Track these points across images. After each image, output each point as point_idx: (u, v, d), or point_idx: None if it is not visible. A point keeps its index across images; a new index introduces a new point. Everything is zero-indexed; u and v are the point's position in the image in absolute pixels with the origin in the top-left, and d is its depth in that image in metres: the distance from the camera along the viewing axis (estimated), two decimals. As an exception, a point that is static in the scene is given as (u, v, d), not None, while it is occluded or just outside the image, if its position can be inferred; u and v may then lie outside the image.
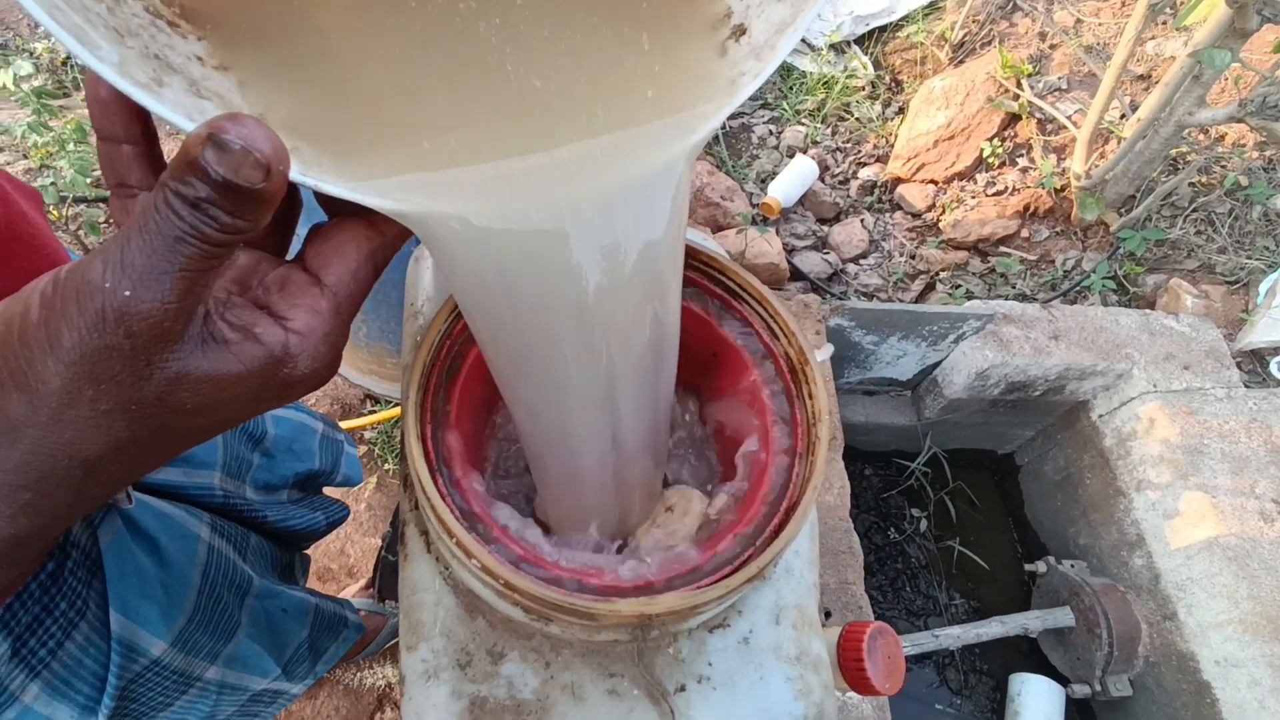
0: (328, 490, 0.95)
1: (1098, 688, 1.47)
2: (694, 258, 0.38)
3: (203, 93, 0.25)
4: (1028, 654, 1.66)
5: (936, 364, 1.62)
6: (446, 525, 0.30)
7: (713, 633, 0.35)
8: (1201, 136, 1.99)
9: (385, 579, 0.78)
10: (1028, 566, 1.65)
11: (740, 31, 0.33)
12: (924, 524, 1.77)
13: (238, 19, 0.28)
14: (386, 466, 1.54)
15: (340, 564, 1.47)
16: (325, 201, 0.30)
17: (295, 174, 0.24)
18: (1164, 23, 2.13)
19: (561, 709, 0.33)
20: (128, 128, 0.27)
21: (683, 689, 0.34)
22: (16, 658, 0.49)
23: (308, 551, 0.96)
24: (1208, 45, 1.47)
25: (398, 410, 1.49)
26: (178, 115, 0.23)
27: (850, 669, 0.54)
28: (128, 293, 0.22)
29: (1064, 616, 1.52)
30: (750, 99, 2.45)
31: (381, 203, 0.26)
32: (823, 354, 1.07)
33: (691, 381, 0.44)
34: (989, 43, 2.31)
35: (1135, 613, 1.46)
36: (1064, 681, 1.53)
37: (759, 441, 0.37)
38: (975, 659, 1.68)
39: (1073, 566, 1.59)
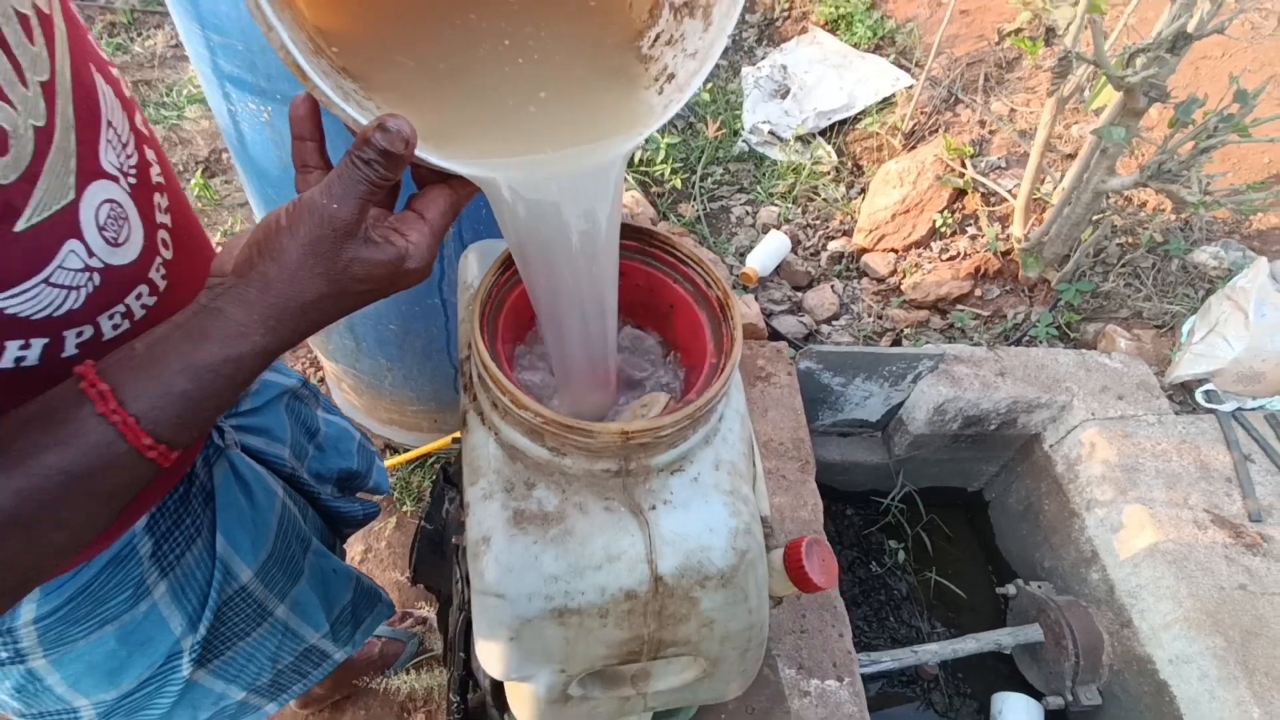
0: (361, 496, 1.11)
1: (1070, 698, 1.57)
2: (654, 237, 0.58)
3: (363, 107, 0.44)
4: (1008, 676, 1.76)
5: (900, 404, 1.80)
6: (503, 386, 0.48)
7: (673, 475, 0.52)
8: (1124, 201, 2.25)
9: (421, 555, 0.91)
10: (999, 590, 1.77)
11: (670, 77, 0.53)
12: (902, 555, 1.90)
13: (373, 77, 0.48)
14: (405, 508, 1.69)
15: (361, 597, 1.59)
16: (418, 175, 0.49)
17: (417, 150, 0.43)
18: (1081, 109, 2.43)
19: (573, 518, 0.50)
20: (313, 132, 0.47)
21: (653, 508, 0.50)
22: (154, 557, 0.65)
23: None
24: (1106, 125, 1.74)
25: (418, 453, 1.65)
26: (360, 117, 0.42)
27: (795, 571, 0.70)
28: (335, 207, 0.41)
29: (1033, 632, 1.64)
30: (727, 185, 2.73)
31: (464, 169, 0.45)
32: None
33: (658, 326, 0.62)
34: (935, 130, 2.62)
35: (1097, 624, 1.58)
36: (1040, 697, 1.63)
37: (701, 353, 0.55)
38: (959, 683, 1.77)
39: (1039, 587, 1.71)
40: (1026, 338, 2.04)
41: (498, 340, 0.52)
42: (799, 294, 2.39)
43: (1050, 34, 2.06)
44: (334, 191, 0.42)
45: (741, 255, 2.42)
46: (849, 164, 2.76)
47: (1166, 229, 2.14)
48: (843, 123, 2.86)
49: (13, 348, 0.43)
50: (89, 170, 0.46)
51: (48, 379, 0.42)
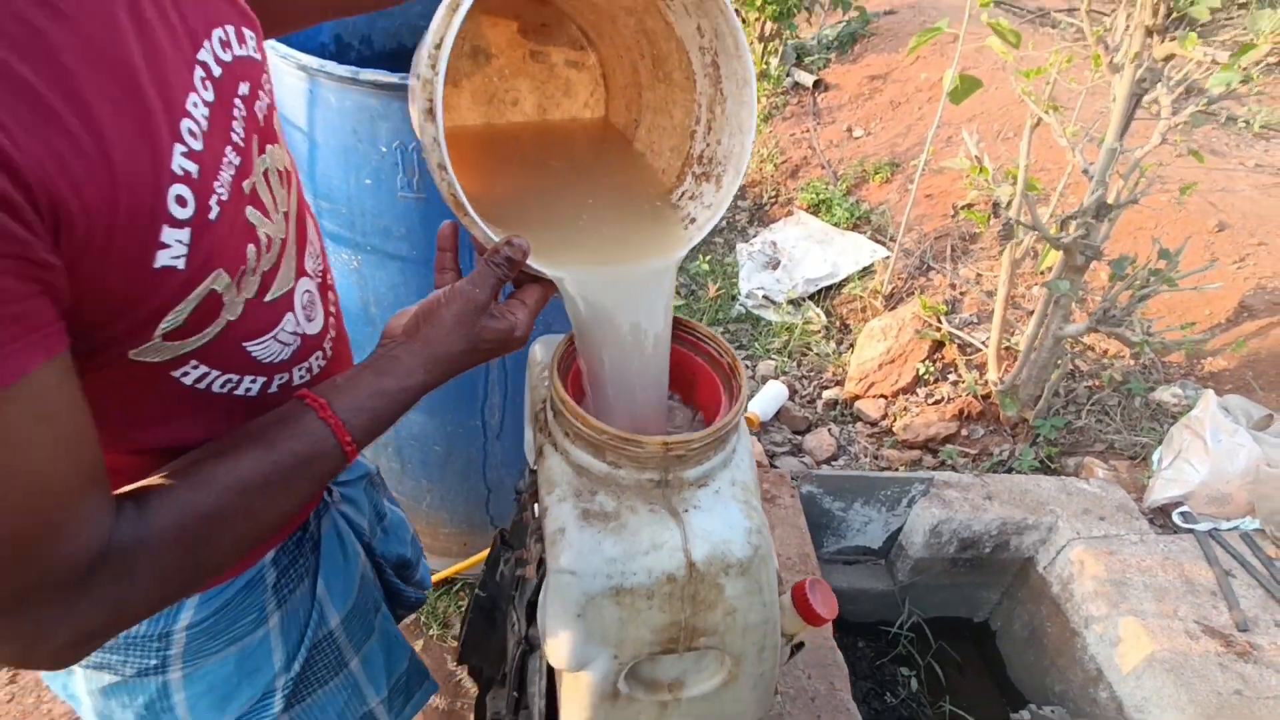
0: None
1: (1095, 825, 1.55)
2: (680, 323, 0.78)
3: (490, 232, 0.66)
4: (1032, 812, 1.73)
5: (899, 530, 1.92)
6: (576, 413, 0.65)
7: (700, 488, 0.67)
8: (1085, 347, 2.49)
9: (474, 625, 1.01)
10: (1013, 716, 1.79)
11: (692, 220, 0.76)
12: (915, 684, 1.92)
13: (492, 214, 0.71)
14: (431, 632, 1.76)
15: None
16: (518, 278, 0.70)
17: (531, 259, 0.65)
18: (1038, 272, 2.75)
19: (626, 516, 0.64)
20: (452, 247, 0.69)
21: (686, 511, 0.65)
22: (275, 588, 0.78)
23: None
24: (1054, 279, 2.02)
25: (449, 572, 1.75)
26: (493, 237, 0.64)
27: (801, 605, 0.83)
28: (476, 291, 0.62)
29: (1051, 756, 1.64)
30: (729, 343, 3.00)
31: (549, 271, 0.66)
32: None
33: (684, 392, 0.80)
34: (912, 293, 2.93)
35: (1111, 744, 1.60)
36: (1066, 828, 1.60)
37: (717, 404, 0.73)
38: (983, 820, 1.73)
39: (1052, 712, 1.74)
40: (1008, 470, 2.19)
41: (569, 386, 0.71)
42: (799, 437, 2.57)
43: (997, 207, 2.40)
44: (476, 281, 0.64)
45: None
46: (837, 323, 3.05)
47: (1128, 372, 2.36)
48: (828, 288, 3.19)
49: (246, 381, 0.62)
50: (300, 270, 0.67)
51: (260, 407, 0.61)
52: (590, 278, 0.68)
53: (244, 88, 0.56)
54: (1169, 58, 1.60)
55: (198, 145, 0.49)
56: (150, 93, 0.45)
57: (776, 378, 2.77)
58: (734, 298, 3.18)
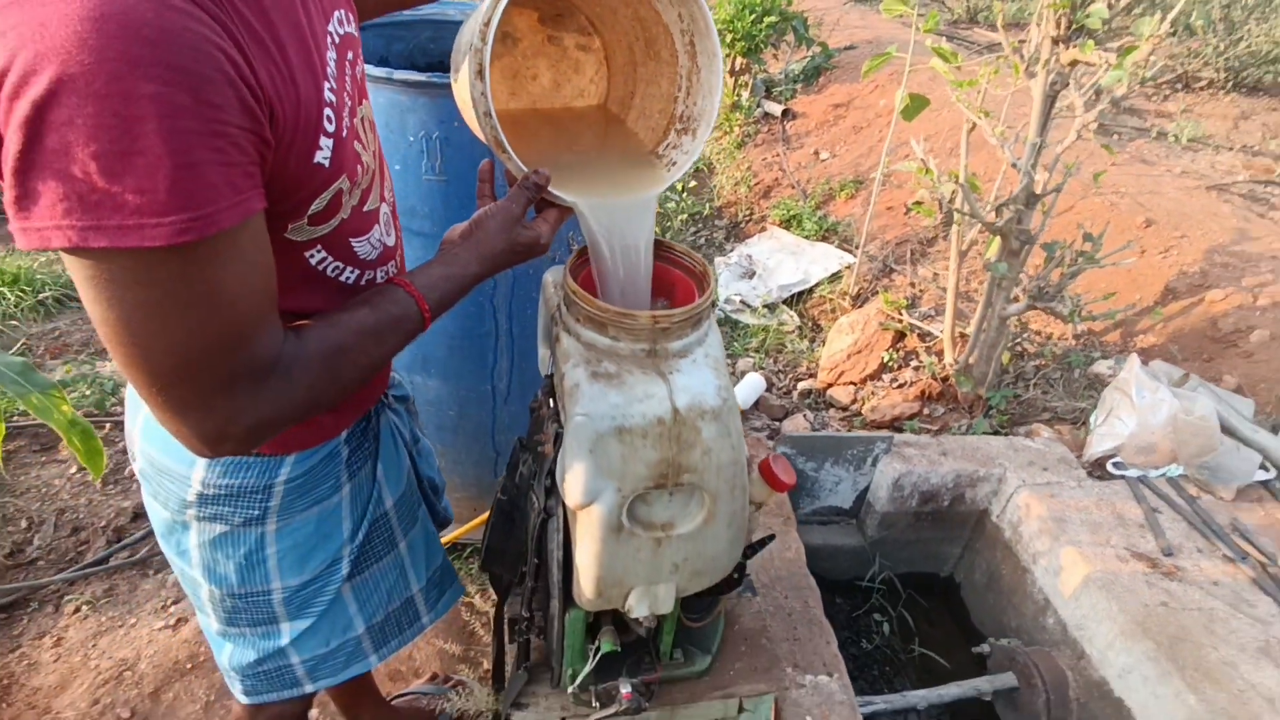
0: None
1: (1048, 735, 1.73)
2: (666, 246, 0.99)
3: (520, 164, 0.88)
4: (996, 734, 1.90)
5: (867, 489, 2.12)
6: (584, 298, 0.86)
7: (682, 359, 0.88)
8: (1020, 326, 2.74)
9: (495, 527, 1.18)
10: (975, 649, 1.97)
11: (672, 164, 0.99)
12: (887, 628, 2.11)
13: (522, 152, 0.93)
14: (444, 589, 1.92)
15: (408, 666, 1.78)
16: (539, 203, 0.92)
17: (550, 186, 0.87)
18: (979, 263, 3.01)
19: (625, 376, 0.85)
20: (490, 180, 0.91)
21: (671, 374, 0.86)
22: (347, 463, 0.97)
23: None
24: (993, 263, 2.26)
25: (456, 535, 1.92)
26: (523, 168, 0.86)
27: (766, 474, 1.04)
28: (513, 206, 0.84)
29: (1007, 679, 1.83)
30: (709, 343, 3.21)
31: (568, 198, 0.88)
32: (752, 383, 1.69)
33: (670, 296, 1.02)
34: (875, 293, 3.18)
35: (1059, 663, 1.79)
36: (1025, 743, 1.78)
37: (693, 299, 0.95)
38: (952, 744, 1.91)
39: (1009, 642, 1.93)
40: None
41: (579, 285, 0.92)
42: (776, 424, 2.78)
43: (942, 204, 2.66)
44: (512, 199, 0.86)
45: (724, 394, 2.84)
46: (809, 324, 3.29)
47: (1068, 349, 2.61)
48: (801, 294, 3.44)
49: (348, 270, 0.83)
50: (380, 196, 0.89)
51: (354, 293, 0.82)
52: (598, 203, 0.90)
53: (350, 54, 0.78)
54: (1073, 63, 1.87)
55: (334, 85, 0.71)
56: (311, 45, 0.67)
57: (754, 371, 2.99)
58: (713, 304, 3.42)
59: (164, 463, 0.89)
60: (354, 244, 0.82)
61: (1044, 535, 1.87)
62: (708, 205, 4.31)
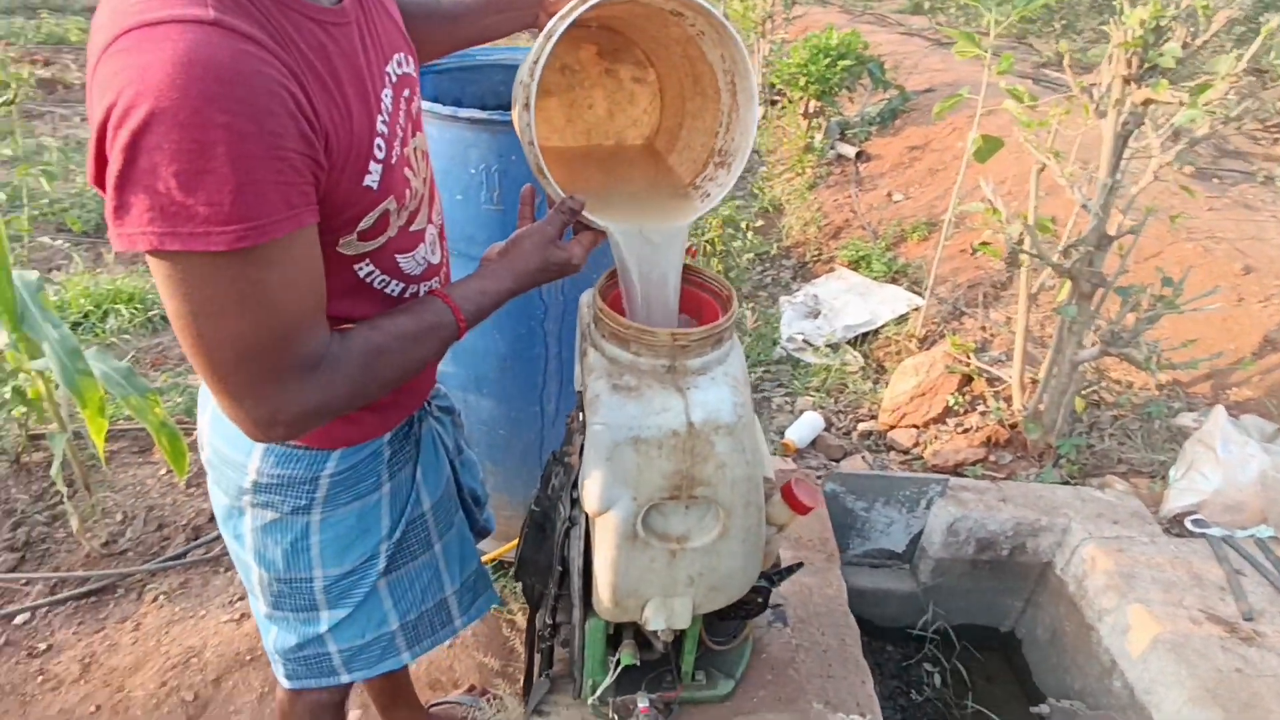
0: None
1: (1109, 806, 1.62)
2: (695, 271, 1.03)
3: (558, 190, 0.95)
4: (1055, 805, 1.78)
5: (920, 533, 2.06)
6: (610, 315, 0.90)
7: (700, 375, 0.90)
8: (1115, 380, 2.61)
9: (528, 538, 1.22)
10: (1033, 709, 1.87)
11: (706, 195, 1.03)
12: (938, 680, 2.02)
13: (560, 178, 0.99)
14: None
15: (448, 677, 1.83)
16: (575, 226, 0.97)
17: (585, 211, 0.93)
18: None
19: (643, 389, 0.88)
20: (531, 203, 0.98)
21: (689, 389, 0.89)
22: (388, 463, 1.04)
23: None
24: (1062, 306, 2.19)
25: (497, 554, 1.97)
26: (560, 194, 0.92)
27: (788, 497, 1.05)
28: (549, 229, 0.91)
29: (1067, 743, 1.72)
30: (768, 381, 3.21)
31: (601, 224, 0.94)
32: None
33: (698, 317, 1.05)
34: (944, 336, 3.11)
35: (1124, 730, 1.67)
36: (1084, 813, 1.66)
37: (717, 315, 0.98)
38: (1006, 810, 1.80)
39: (1072, 704, 1.81)
40: (1036, 489, 2.30)
41: (608, 305, 0.97)
42: (834, 464, 2.73)
43: (1009, 245, 2.59)
44: (548, 221, 0.93)
45: (780, 433, 2.82)
46: (873, 365, 3.24)
47: (1151, 400, 2.47)
48: (865, 335, 3.39)
49: (394, 283, 0.90)
50: (429, 218, 0.97)
51: (396, 303, 0.89)
52: (630, 229, 0.95)
53: (407, 92, 0.87)
54: (1147, 102, 1.83)
55: (386, 119, 0.79)
56: (368, 85, 0.76)
57: (813, 410, 2.96)
58: (775, 342, 3.41)
59: (226, 452, 0.98)
60: (399, 260, 0.89)
61: (1110, 591, 1.77)
62: (775, 245, 4.33)
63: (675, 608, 1.01)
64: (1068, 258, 2.09)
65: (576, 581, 1.05)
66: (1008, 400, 2.65)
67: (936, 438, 2.68)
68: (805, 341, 3.37)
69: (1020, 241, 2.25)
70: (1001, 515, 1.94)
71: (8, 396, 1.92)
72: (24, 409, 1.98)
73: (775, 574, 1.21)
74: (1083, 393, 2.51)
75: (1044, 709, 1.85)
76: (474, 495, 1.35)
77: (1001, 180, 3.94)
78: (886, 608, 2.13)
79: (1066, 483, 2.28)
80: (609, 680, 1.12)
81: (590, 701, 1.16)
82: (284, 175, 0.66)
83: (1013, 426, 2.56)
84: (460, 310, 0.86)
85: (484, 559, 2.03)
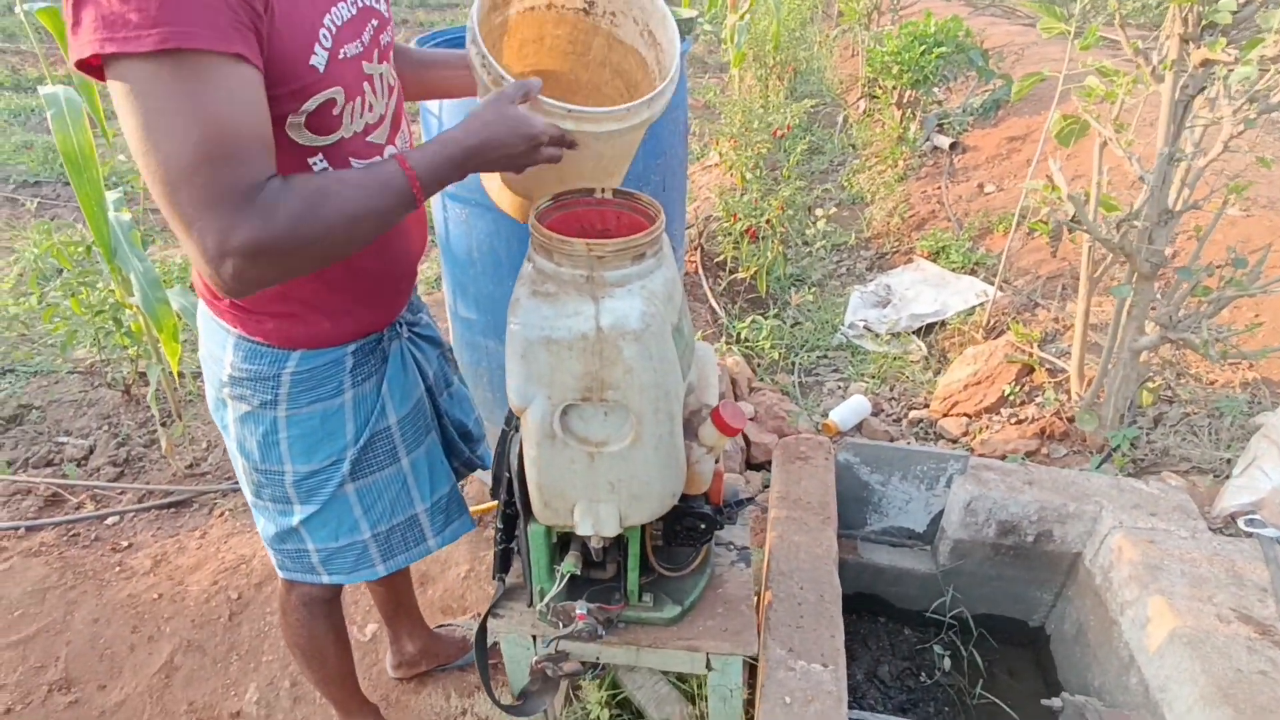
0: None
1: (1110, 805, 1.52)
2: (632, 196, 1.09)
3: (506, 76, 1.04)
4: (1060, 803, 1.69)
5: (941, 512, 2.00)
6: (537, 228, 0.98)
7: (618, 288, 0.96)
8: (1196, 383, 2.41)
9: (498, 454, 1.32)
10: (1044, 702, 1.77)
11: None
12: (948, 663, 1.95)
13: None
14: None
15: (459, 604, 1.96)
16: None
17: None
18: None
19: (560, 295, 0.95)
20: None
21: (602, 299, 0.95)
22: (351, 372, 1.16)
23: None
24: (1120, 285, 2.06)
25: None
26: (504, 74, 1.01)
27: (716, 421, 1.08)
28: (510, 90, 0.98)
29: (1073, 736, 1.63)
30: (824, 365, 3.16)
31: (556, 105, 1.02)
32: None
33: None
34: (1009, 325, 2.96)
35: (1135, 728, 1.57)
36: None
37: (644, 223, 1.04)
38: (1005, 802, 1.72)
39: (1085, 700, 1.71)
40: (1083, 482, 2.17)
41: (547, 223, 1.04)
42: (877, 448, 2.67)
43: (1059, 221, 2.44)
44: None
45: (826, 414, 2.79)
46: (937, 355, 3.13)
47: (1229, 397, 2.27)
48: (932, 326, 3.28)
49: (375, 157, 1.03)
50: (389, 138, 1.07)
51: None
52: (582, 111, 1.01)
53: (375, 22, 0.99)
54: (1205, 62, 1.70)
55: (338, 20, 0.92)
56: None
57: (861, 395, 2.90)
58: (835, 328, 3.36)
59: (209, 347, 1.13)
60: (355, 164, 1.00)
61: (1133, 583, 1.66)
62: (854, 235, 4.24)
63: (601, 513, 1.07)
64: (1117, 232, 1.97)
65: (517, 486, 1.14)
66: (1068, 392, 2.50)
67: (988, 427, 2.57)
68: (867, 328, 3.30)
69: (1074, 219, 2.13)
70: (1024, 498, 1.85)
71: (113, 330, 2.23)
72: (129, 341, 2.29)
73: (726, 505, 1.24)
74: (1151, 386, 2.34)
75: (1056, 702, 1.76)
76: (462, 428, 1.45)
77: (1082, 161, 3.69)
78: (905, 587, 2.07)
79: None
80: (555, 590, 1.20)
81: (539, 608, 1.23)
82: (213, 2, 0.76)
83: (1070, 419, 2.42)
84: (410, 165, 0.91)
85: (475, 509, 2.15)
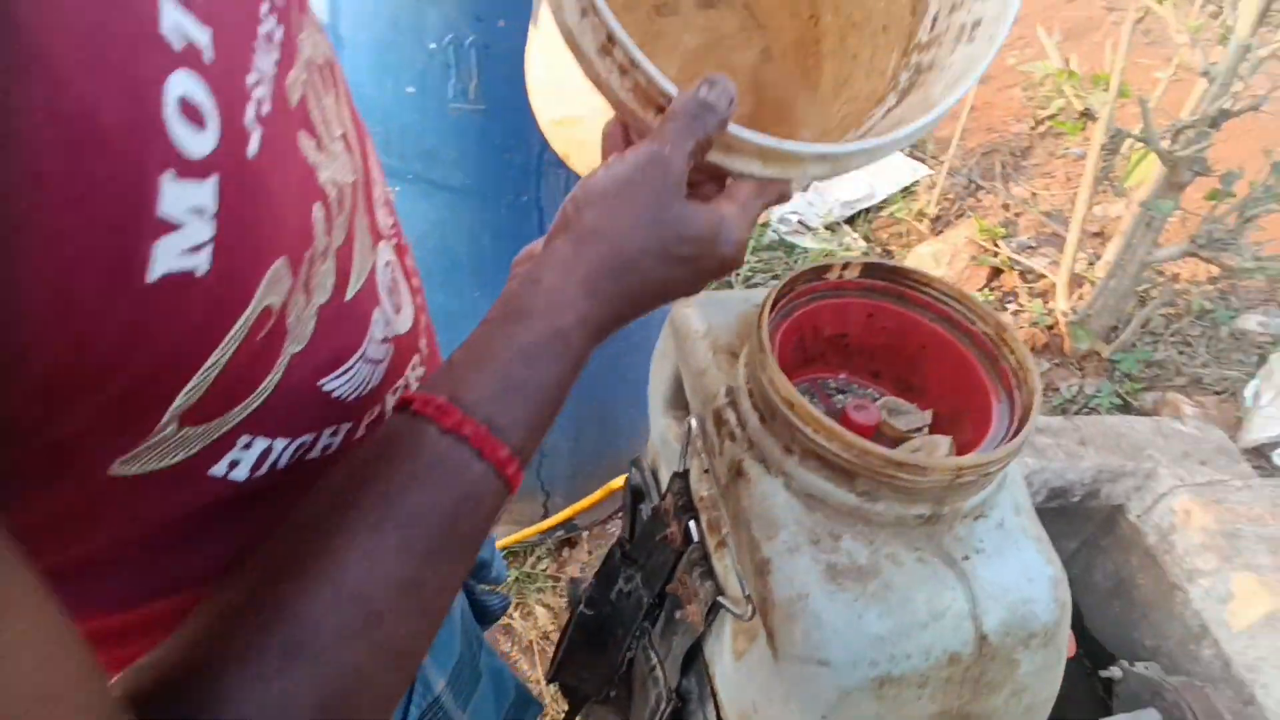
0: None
1: (1201, 789, 1.46)
2: (903, 275, 0.57)
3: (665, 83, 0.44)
4: (1121, 770, 1.64)
5: (978, 478, 1.76)
6: (816, 421, 0.45)
7: (977, 520, 0.48)
8: (1159, 276, 2.31)
9: (573, 645, 0.84)
10: (1103, 673, 1.68)
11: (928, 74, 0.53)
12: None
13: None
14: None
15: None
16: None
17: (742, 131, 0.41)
18: (1104, 190, 2.54)
19: (889, 571, 0.45)
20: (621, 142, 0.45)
21: (966, 558, 0.46)
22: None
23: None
24: (1152, 198, 1.80)
25: (515, 538, 1.57)
26: (666, 84, 0.41)
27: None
28: (668, 149, 0.38)
29: (1151, 718, 1.54)
30: (761, 272, 2.77)
31: (782, 147, 0.43)
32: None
33: (899, 374, 0.60)
34: (961, 215, 2.70)
35: (1217, 704, 1.49)
36: (1166, 790, 1.51)
37: (970, 392, 0.53)
38: (1070, 779, 1.65)
39: (1147, 668, 1.62)
40: (1087, 409, 2.03)
41: (786, 364, 0.49)
42: (845, 375, 2.39)
43: (1085, 118, 2.15)
44: (664, 136, 0.38)
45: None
46: (877, 249, 2.83)
47: (1208, 298, 2.18)
48: (866, 211, 2.95)
49: (326, 435, 0.39)
50: (374, 229, 0.43)
51: (329, 466, 0.37)
52: (833, 152, 0.44)
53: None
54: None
55: (211, 74, 0.24)
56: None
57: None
58: (766, 224, 2.94)
59: None
60: (330, 385, 0.38)
61: (1209, 552, 1.53)
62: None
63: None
64: (1176, 141, 1.68)
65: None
66: (1044, 297, 2.32)
67: (962, 343, 2.35)
68: (800, 223, 2.91)
69: (1099, 115, 1.80)
70: (1083, 464, 1.64)
71: None
72: None
73: None
74: (1142, 292, 2.20)
75: (1115, 672, 1.67)
76: (479, 564, 0.91)
77: (1044, 22, 3.40)
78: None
79: (1126, 404, 2.01)
80: None
81: None
82: None
83: (1049, 329, 2.25)
84: (493, 429, 0.34)
85: (499, 544, 1.63)
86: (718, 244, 0.40)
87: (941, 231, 2.70)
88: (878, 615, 0.44)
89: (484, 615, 0.89)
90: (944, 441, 0.53)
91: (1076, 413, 2.03)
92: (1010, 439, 0.46)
